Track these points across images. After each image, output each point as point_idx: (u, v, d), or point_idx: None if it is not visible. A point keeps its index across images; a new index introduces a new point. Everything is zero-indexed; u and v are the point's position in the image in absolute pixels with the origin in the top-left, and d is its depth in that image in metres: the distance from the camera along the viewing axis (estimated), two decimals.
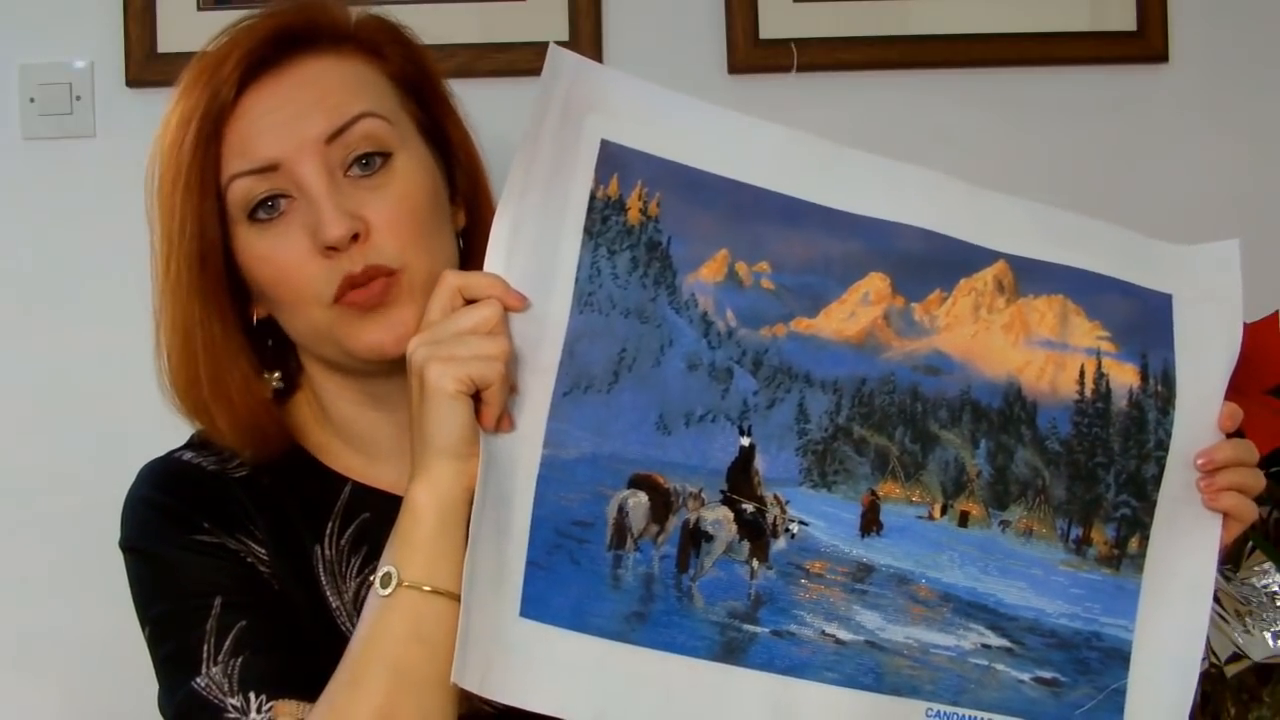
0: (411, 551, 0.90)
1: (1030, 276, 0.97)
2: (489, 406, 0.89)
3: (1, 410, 1.51)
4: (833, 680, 0.93)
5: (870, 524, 0.94)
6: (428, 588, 0.89)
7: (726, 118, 0.95)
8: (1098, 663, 0.95)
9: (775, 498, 0.93)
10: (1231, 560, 1.31)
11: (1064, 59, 1.58)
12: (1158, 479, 0.96)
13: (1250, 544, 1.31)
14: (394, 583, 0.89)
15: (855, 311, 0.95)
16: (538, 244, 0.91)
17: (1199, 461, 0.97)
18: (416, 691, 0.89)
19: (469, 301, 0.91)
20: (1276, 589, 1.30)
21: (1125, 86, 1.59)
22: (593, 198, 0.92)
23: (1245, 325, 1.31)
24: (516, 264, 0.91)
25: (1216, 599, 1.29)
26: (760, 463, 0.93)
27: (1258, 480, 0.99)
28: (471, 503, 0.90)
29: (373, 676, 0.89)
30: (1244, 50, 1.60)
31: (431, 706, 0.89)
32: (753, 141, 0.95)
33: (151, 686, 1.00)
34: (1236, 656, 1.29)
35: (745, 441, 0.93)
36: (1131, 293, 0.98)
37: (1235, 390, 1.08)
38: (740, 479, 0.93)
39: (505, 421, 0.90)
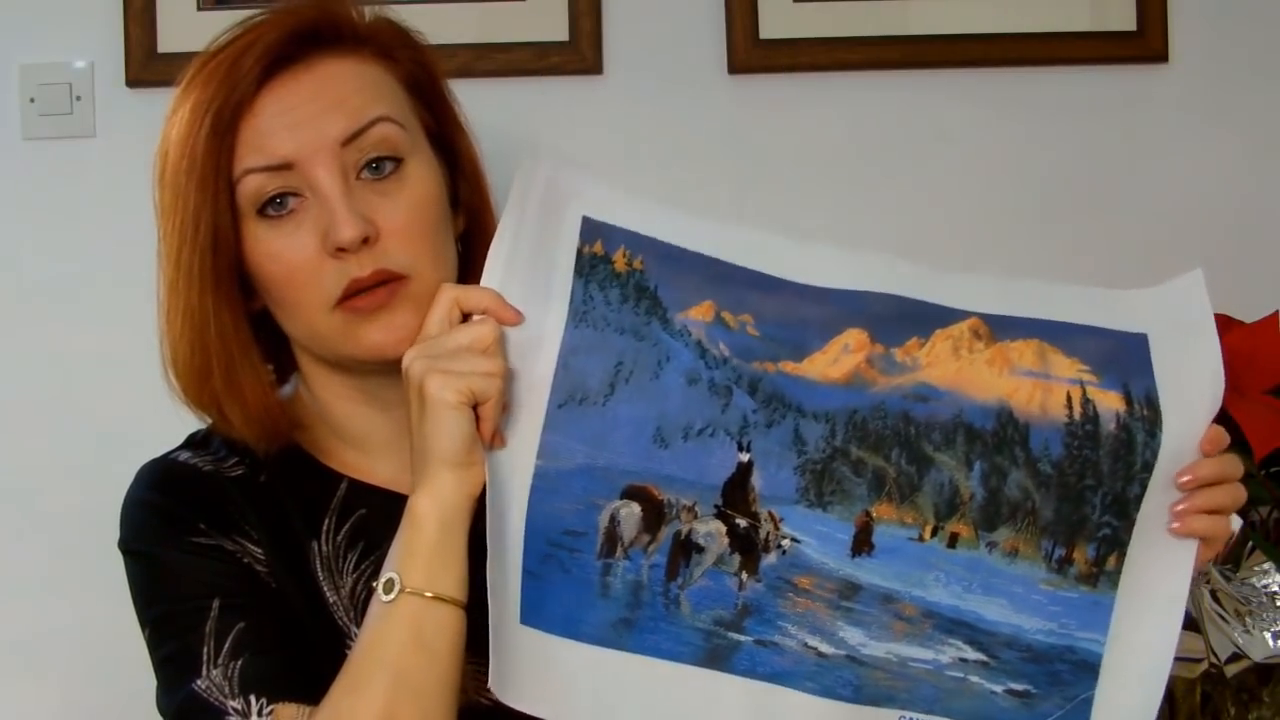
0: (413, 559, 0.91)
1: (1004, 327, 0.97)
2: (485, 422, 0.91)
3: (1, 410, 1.51)
4: (812, 690, 0.94)
5: (862, 545, 0.94)
6: (429, 594, 0.90)
7: (693, 216, 0.98)
8: (1068, 674, 0.95)
9: (770, 514, 0.94)
10: (1231, 560, 1.31)
11: (1064, 59, 1.57)
12: (1139, 499, 0.96)
13: (1250, 544, 1.31)
14: (396, 589, 0.90)
15: (838, 359, 0.96)
16: (531, 275, 0.94)
17: (1184, 479, 0.95)
18: (416, 697, 0.90)
19: (466, 316, 0.93)
20: (1276, 589, 1.30)
21: (1125, 86, 1.59)
22: (579, 253, 0.95)
23: (1245, 325, 1.32)
24: (511, 290, 0.93)
25: (1216, 599, 1.30)
26: (757, 479, 0.94)
27: (1236, 497, 0.97)
28: (473, 511, 0.92)
29: (374, 681, 0.90)
30: (1244, 50, 1.60)
31: (431, 712, 0.90)
32: (720, 232, 0.98)
33: (151, 685, 1.00)
34: (1236, 656, 1.29)
35: (744, 458, 0.93)
36: (1105, 335, 0.98)
37: (1235, 390, 1.08)
38: (736, 495, 0.93)
39: (498, 439, 0.92)
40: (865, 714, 0.94)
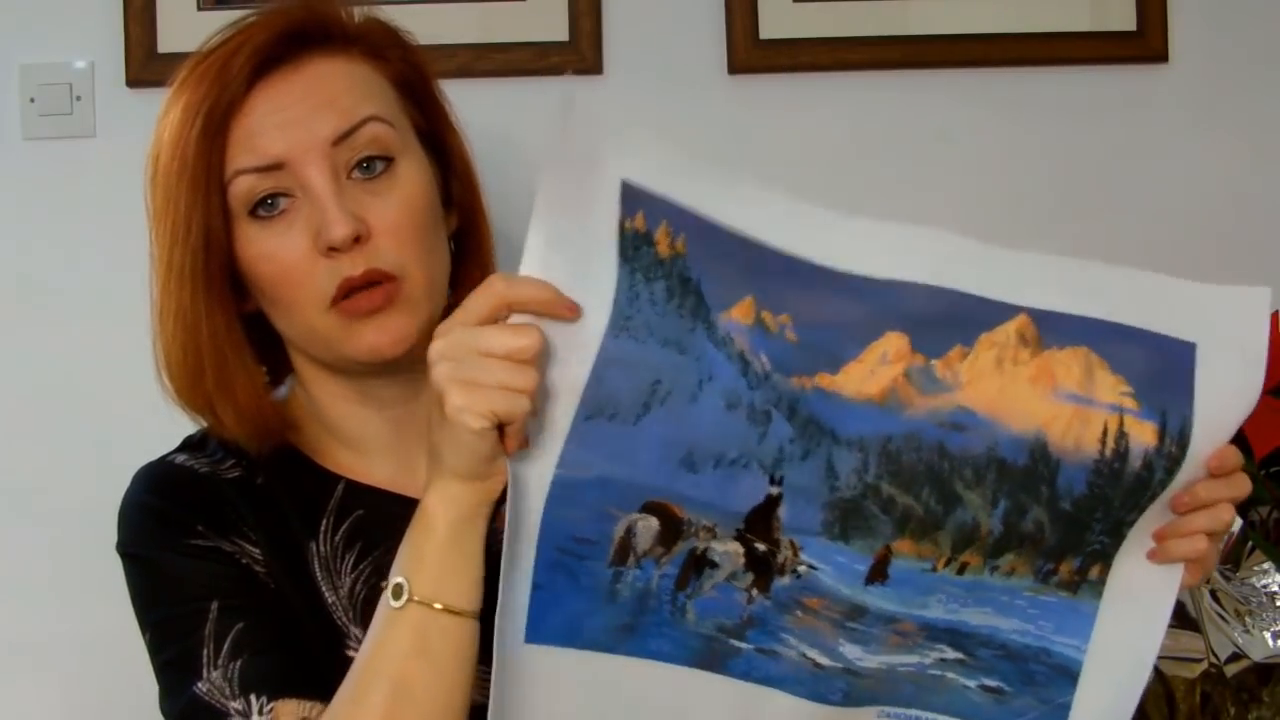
0: (422, 564, 0.88)
1: (1052, 329, 0.92)
2: (510, 439, 0.85)
3: (1, 410, 1.51)
4: (801, 694, 0.93)
5: (877, 575, 0.92)
6: (438, 605, 0.88)
7: (732, 177, 0.91)
8: (1044, 676, 0.95)
9: (790, 542, 0.91)
10: (1231, 560, 1.31)
11: (1064, 59, 1.57)
12: (1134, 521, 0.94)
13: (1250, 544, 1.31)
14: (405, 596, 0.88)
15: (875, 370, 0.90)
16: (575, 259, 0.86)
17: (1183, 500, 0.93)
18: (418, 707, 0.88)
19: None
20: (1276, 589, 1.30)
21: (1125, 86, 1.59)
22: (622, 227, 0.87)
23: None
24: (553, 275, 0.85)
25: (1216, 599, 1.30)
26: (784, 511, 0.90)
27: (1219, 522, 0.94)
28: (490, 514, 0.89)
29: (375, 691, 0.88)
30: (1244, 50, 1.60)
31: None
32: (758, 202, 0.91)
33: (151, 686, 1.00)
34: (1236, 656, 1.29)
35: (774, 491, 0.89)
36: (1154, 343, 0.93)
37: None
38: (760, 524, 0.90)
39: (524, 443, 0.87)
40: (846, 715, 0.94)
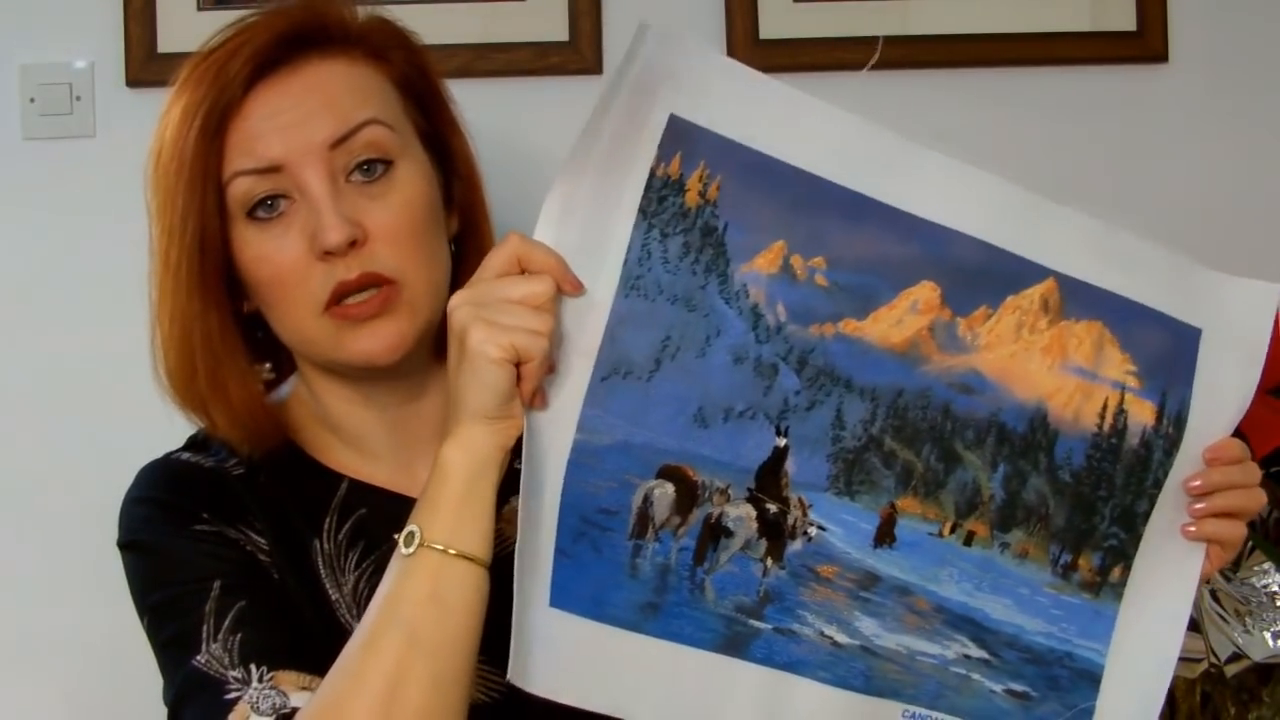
0: (436, 512, 0.88)
1: (1075, 298, 0.96)
2: (526, 381, 0.87)
3: (1, 410, 1.51)
4: (824, 679, 0.94)
5: (884, 536, 0.94)
6: (453, 551, 0.87)
7: (799, 100, 0.93)
8: (1068, 681, 0.97)
9: (799, 500, 0.93)
10: (1231, 560, 1.31)
11: (1064, 59, 1.57)
12: (1147, 514, 0.97)
13: (1250, 544, 1.31)
14: (416, 542, 0.88)
15: (903, 319, 0.94)
16: (589, 222, 0.89)
17: (1194, 483, 0.96)
18: (429, 655, 0.87)
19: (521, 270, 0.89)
20: (1276, 589, 1.30)
21: (1125, 86, 1.59)
22: (652, 175, 0.89)
23: None
24: (566, 240, 0.88)
25: (1216, 599, 1.30)
26: (791, 464, 0.93)
27: (1252, 501, 0.98)
28: (505, 464, 0.89)
29: (387, 638, 0.87)
30: (1244, 50, 1.60)
31: (445, 672, 0.87)
32: (822, 128, 0.93)
33: (151, 686, 1.00)
34: (1236, 656, 1.29)
35: (781, 442, 0.92)
36: (1165, 325, 0.97)
37: None
38: (769, 479, 0.93)
39: (539, 399, 0.88)
40: (872, 705, 0.95)
